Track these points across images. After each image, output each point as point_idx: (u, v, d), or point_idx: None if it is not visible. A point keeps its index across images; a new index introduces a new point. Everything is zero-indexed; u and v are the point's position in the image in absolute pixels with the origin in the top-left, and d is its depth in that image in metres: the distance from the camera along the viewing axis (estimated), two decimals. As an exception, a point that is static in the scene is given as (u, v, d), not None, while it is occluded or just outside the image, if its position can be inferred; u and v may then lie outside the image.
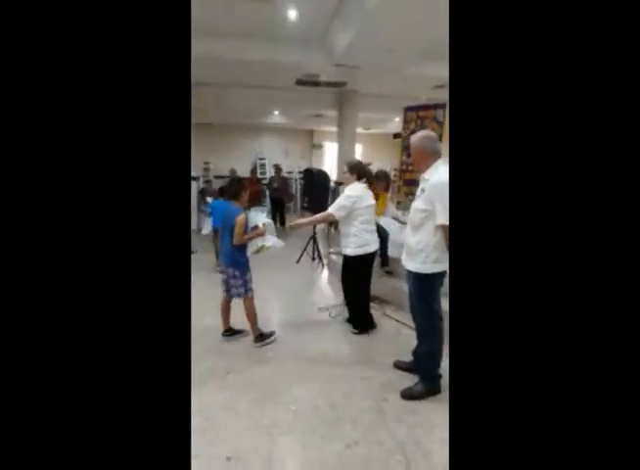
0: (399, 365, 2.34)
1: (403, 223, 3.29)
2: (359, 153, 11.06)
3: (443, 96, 6.20)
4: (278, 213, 7.14)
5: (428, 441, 1.73)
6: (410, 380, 2.14)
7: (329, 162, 11.77)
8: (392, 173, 7.44)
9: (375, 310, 3.08)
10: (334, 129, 8.19)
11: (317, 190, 5.19)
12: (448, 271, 1.95)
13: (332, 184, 6.37)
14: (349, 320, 2.99)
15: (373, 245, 2.71)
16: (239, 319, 2.72)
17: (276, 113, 9.46)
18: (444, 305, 2.04)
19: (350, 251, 2.68)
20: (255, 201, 6.90)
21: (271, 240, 2.61)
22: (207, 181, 6.77)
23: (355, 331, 2.86)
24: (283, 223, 6.81)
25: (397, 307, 3.27)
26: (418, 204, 1.90)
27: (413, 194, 2.08)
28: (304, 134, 12.43)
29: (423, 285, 1.97)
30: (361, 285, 2.81)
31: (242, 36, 5.01)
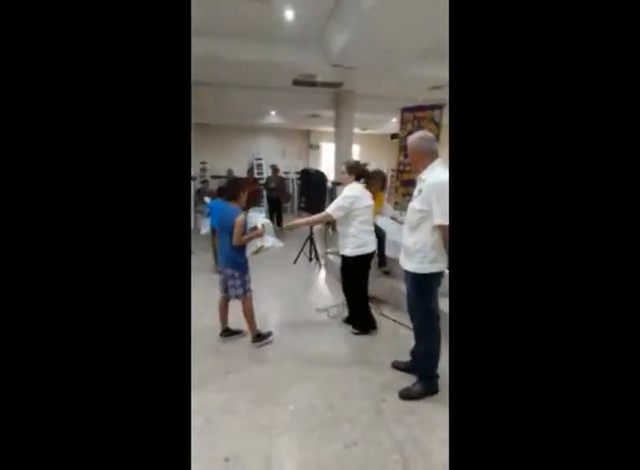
0: (397, 365, 2.35)
1: (402, 223, 3.29)
2: (356, 153, 11.08)
3: (440, 97, 6.22)
4: (275, 214, 7.16)
5: (426, 441, 1.73)
6: (408, 380, 2.14)
7: (326, 162, 11.77)
8: (390, 174, 7.46)
9: (372, 311, 3.08)
10: (331, 130, 8.19)
11: (314, 190, 5.20)
12: (447, 271, 1.96)
13: (329, 184, 6.38)
14: (348, 321, 2.99)
15: (371, 245, 2.72)
16: (236, 319, 2.72)
17: (273, 113, 9.45)
18: (442, 305, 2.05)
19: (349, 251, 2.68)
20: (253, 201, 6.90)
21: (270, 241, 2.60)
22: (204, 181, 6.74)
23: (356, 331, 2.87)
24: (280, 224, 6.82)
25: (395, 308, 3.27)
26: (415, 204, 1.91)
27: (410, 194, 2.09)
28: (301, 135, 12.41)
29: (420, 285, 1.98)
30: (359, 285, 2.81)
31: (238, 36, 5.01)
